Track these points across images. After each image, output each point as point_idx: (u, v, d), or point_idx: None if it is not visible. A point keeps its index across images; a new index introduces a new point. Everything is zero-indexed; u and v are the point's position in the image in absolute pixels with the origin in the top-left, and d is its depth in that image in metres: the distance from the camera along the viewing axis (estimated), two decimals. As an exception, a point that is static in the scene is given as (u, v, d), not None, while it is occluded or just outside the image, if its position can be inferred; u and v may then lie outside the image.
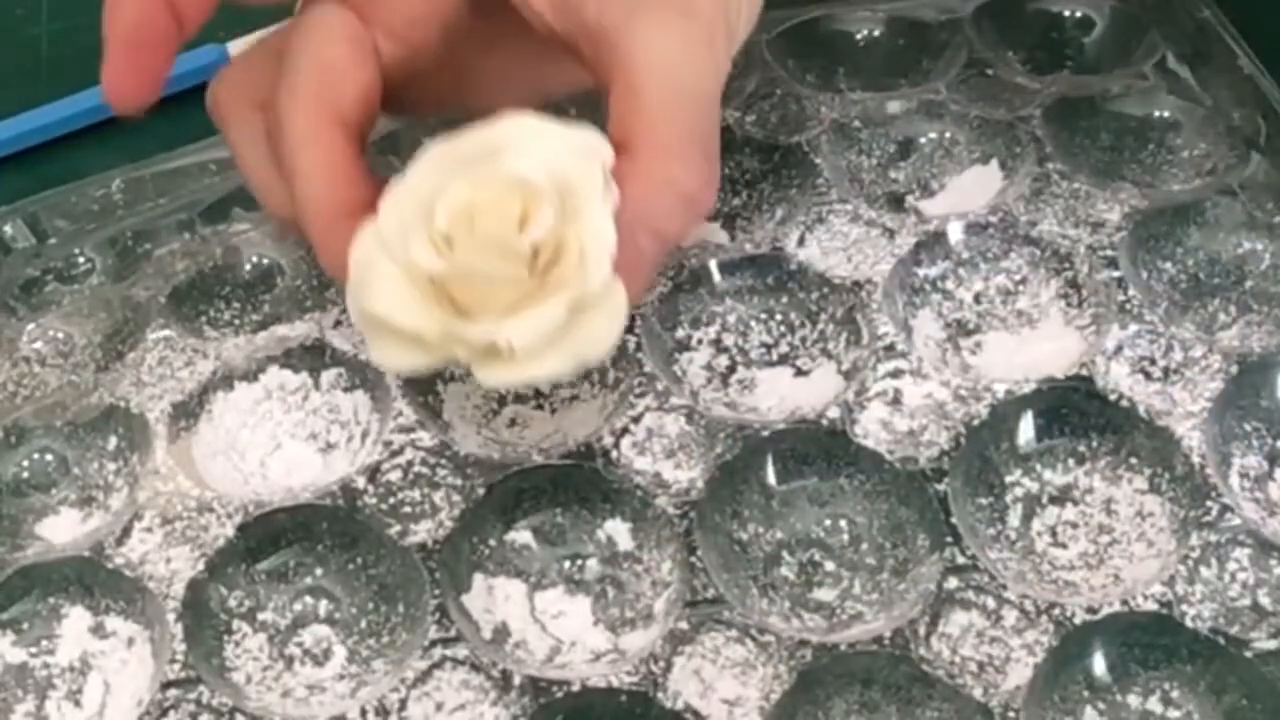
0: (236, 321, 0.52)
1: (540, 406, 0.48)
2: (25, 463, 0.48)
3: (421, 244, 0.39)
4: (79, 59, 0.64)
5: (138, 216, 0.56)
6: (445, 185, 0.40)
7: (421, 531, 0.44)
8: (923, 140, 0.55)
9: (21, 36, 0.65)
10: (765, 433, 0.45)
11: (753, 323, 0.49)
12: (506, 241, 0.38)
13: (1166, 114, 0.54)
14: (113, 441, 0.48)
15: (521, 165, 0.39)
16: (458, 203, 0.39)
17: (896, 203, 0.53)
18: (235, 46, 0.62)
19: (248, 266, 0.53)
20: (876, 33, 0.59)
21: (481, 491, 0.44)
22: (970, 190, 0.53)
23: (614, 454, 0.45)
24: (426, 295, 0.40)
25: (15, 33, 0.66)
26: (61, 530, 0.47)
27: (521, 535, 0.45)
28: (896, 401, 0.46)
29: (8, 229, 0.55)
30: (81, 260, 0.55)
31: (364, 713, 0.41)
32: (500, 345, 0.38)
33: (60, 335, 0.52)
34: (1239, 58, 0.55)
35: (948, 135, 0.55)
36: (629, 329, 0.47)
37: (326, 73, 0.41)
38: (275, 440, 0.48)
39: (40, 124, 0.61)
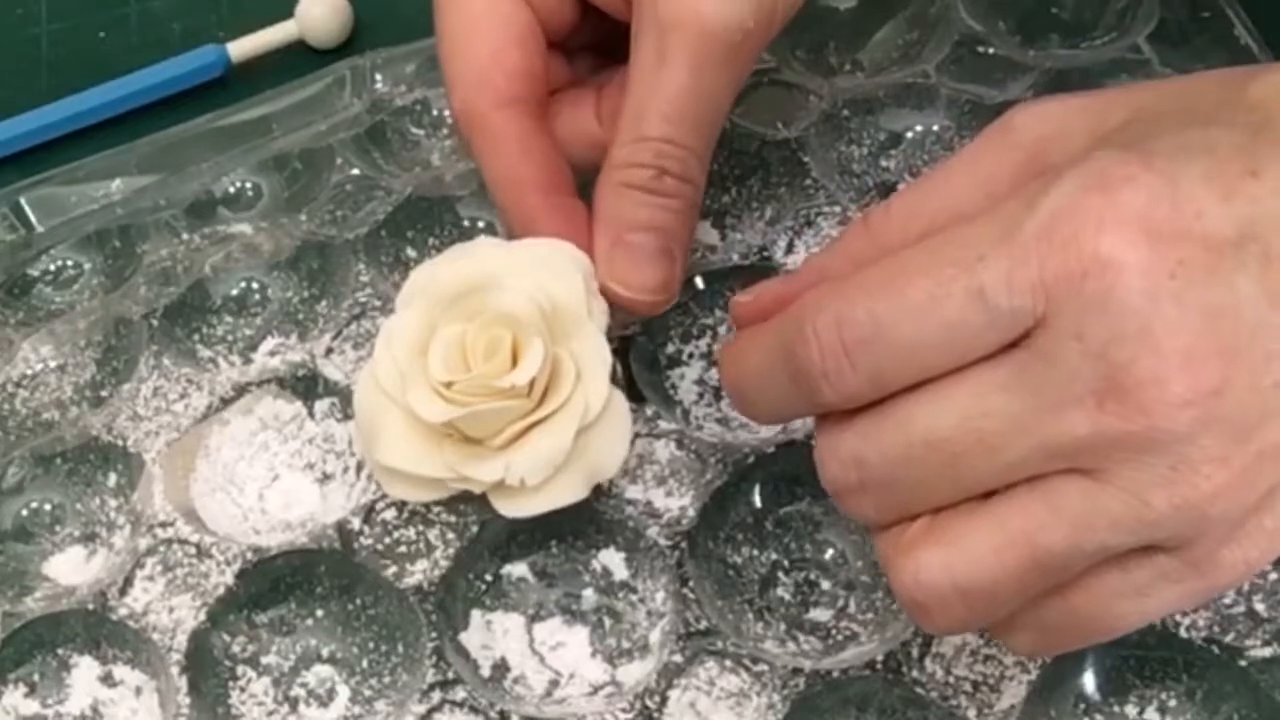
0: (230, 338, 0.52)
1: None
2: (27, 502, 0.49)
3: (421, 393, 0.41)
4: (79, 59, 0.64)
5: (132, 217, 0.56)
6: (435, 327, 0.41)
7: (418, 571, 0.44)
8: (913, 128, 0.54)
9: (21, 36, 0.65)
10: (754, 457, 0.45)
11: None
12: (503, 381, 0.40)
13: (1161, 93, 0.53)
14: (112, 478, 0.48)
15: (506, 300, 0.41)
16: (450, 347, 0.41)
17: (888, 193, 0.53)
18: (235, 47, 0.61)
19: (239, 281, 0.53)
20: (865, 7, 0.58)
21: (475, 528, 0.45)
22: (962, 178, 0.52)
23: (605, 483, 0.45)
24: (434, 433, 0.41)
25: (15, 33, 0.65)
26: (67, 569, 0.47)
27: (517, 569, 0.45)
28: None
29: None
30: (70, 265, 0.55)
31: (368, 758, 0.42)
32: (512, 483, 0.40)
33: (53, 363, 0.52)
34: (1235, 27, 0.53)
35: (938, 122, 0.54)
36: (620, 350, 0.47)
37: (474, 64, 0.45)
38: (273, 471, 0.48)
39: (40, 124, 0.61)
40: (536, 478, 0.41)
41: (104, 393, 0.51)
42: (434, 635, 0.43)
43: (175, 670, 0.43)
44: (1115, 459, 0.31)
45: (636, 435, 0.46)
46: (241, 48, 0.61)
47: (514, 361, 0.41)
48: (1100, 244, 0.31)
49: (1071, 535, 0.32)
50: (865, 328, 0.33)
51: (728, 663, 0.43)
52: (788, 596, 0.45)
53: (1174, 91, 0.36)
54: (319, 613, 0.45)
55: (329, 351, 0.50)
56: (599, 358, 0.41)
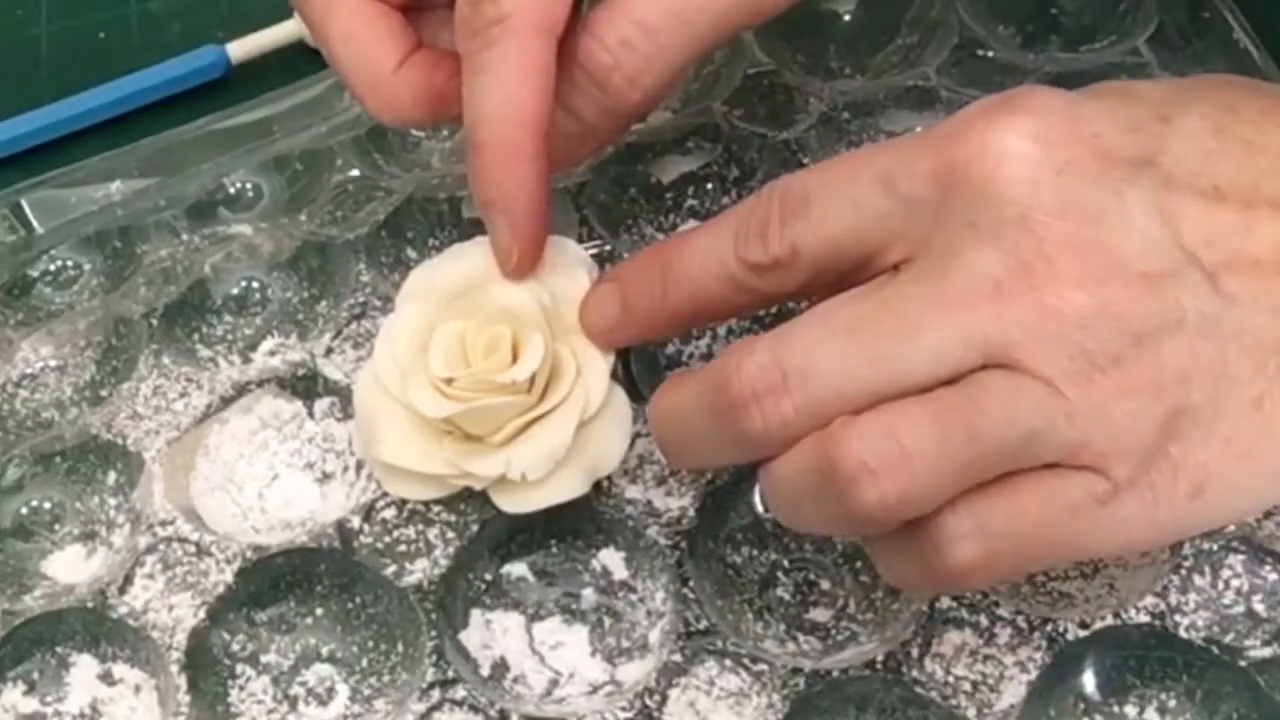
0: (230, 337, 0.52)
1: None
2: (27, 501, 0.49)
3: (421, 389, 0.41)
4: (79, 59, 0.64)
5: (132, 217, 0.56)
6: (435, 324, 0.41)
7: (418, 570, 0.44)
8: (913, 130, 0.54)
9: (21, 36, 0.65)
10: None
11: (744, 334, 0.49)
12: (503, 377, 0.40)
13: (1160, 95, 0.53)
14: (112, 477, 0.48)
15: (506, 296, 0.41)
16: (450, 343, 0.41)
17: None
18: (235, 47, 0.62)
19: (239, 281, 0.53)
20: (866, 11, 0.58)
21: (475, 527, 0.45)
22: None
23: (605, 482, 0.45)
24: (434, 431, 0.41)
25: (15, 33, 0.65)
26: (66, 567, 0.47)
27: (517, 568, 0.45)
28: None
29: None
30: (70, 265, 0.55)
31: (367, 756, 0.42)
32: (513, 478, 0.40)
33: (53, 362, 0.52)
34: (1234, 31, 0.54)
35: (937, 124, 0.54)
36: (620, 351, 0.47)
37: None
38: (273, 470, 0.48)
39: (40, 124, 0.61)
40: (537, 473, 0.41)
41: (104, 392, 0.51)
42: (434, 634, 0.43)
43: (175, 668, 0.43)
44: (1024, 348, 0.32)
45: (636, 435, 0.46)
46: (241, 48, 0.62)
47: (514, 357, 0.41)
48: (987, 135, 0.33)
49: (1001, 414, 0.32)
50: (797, 196, 0.35)
51: (727, 662, 0.43)
52: (787, 596, 0.44)
53: None
54: (318, 611, 0.45)
55: (329, 351, 0.50)
56: (600, 353, 0.42)
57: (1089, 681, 0.42)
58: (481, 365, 0.40)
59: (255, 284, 0.53)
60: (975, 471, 0.33)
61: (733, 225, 0.37)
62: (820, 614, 0.44)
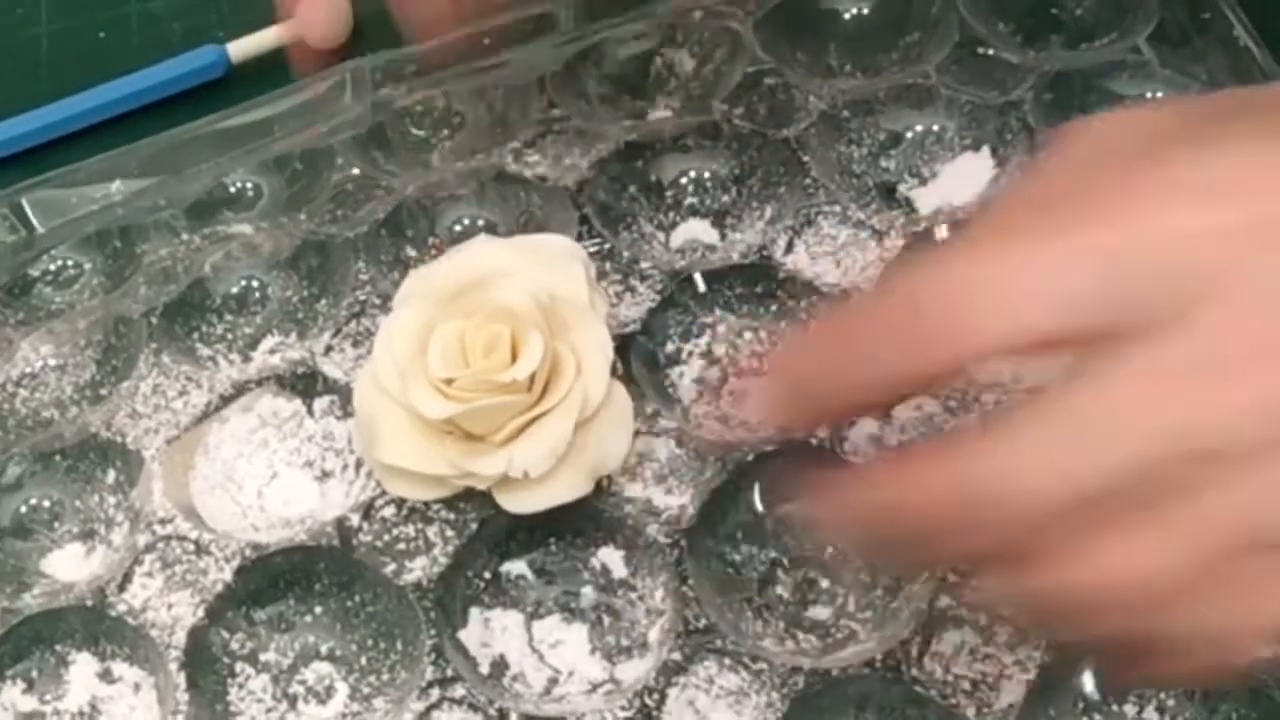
0: (229, 336, 0.52)
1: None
2: (26, 499, 0.49)
3: (422, 391, 0.41)
4: (79, 59, 0.64)
5: (132, 217, 0.56)
6: (434, 324, 0.41)
7: (417, 569, 0.44)
8: (913, 128, 0.54)
9: (21, 36, 0.65)
10: (753, 455, 0.45)
11: (744, 333, 0.49)
12: (503, 376, 0.40)
13: (1160, 93, 0.53)
14: (111, 475, 0.48)
15: (504, 295, 0.41)
16: (450, 344, 0.41)
17: (888, 192, 0.53)
18: (235, 47, 0.62)
19: (239, 280, 0.53)
20: (866, 9, 0.58)
21: (475, 525, 0.45)
22: (962, 178, 0.52)
23: (604, 480, 0.45)
24: (435, 431, 0.41)
25: (15, 33, 0.66)
26: (65, 566, 0.47)
27: (516, 566, 0.45)
28: (886, 415, 0.46)
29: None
30: (70, 265, 0.55)
31: (366, 755, 0.42)
32: (515, 476, 0.40)
33: (53, 362, 0.52)
34: (1235, 28, 0.53)
35: (938, 123, 0.54)
36: (620, 348, 0.47)
37: None
38: (272, 469, 0.48)
39: (40, 124, 0.61)
40: (540, 469, 0.41)
41: (103, 391, 0.51)
42: (433, 633, 0.43)
43: (174, 667, 0.43)
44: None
45: (636, 433, 0.46)
46: (241, 48, 0.62)
47: (513, 357, 0.41)
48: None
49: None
50: (959, 296, 0.32)
51: (727, 661, 0.43)
52: (786, 595, 0.44)
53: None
54: (318, 610, 0.45)
55: (328, 349, 0.50)
56: (600, 349, 0.42)
57: (1088, 681, 0.42)
58: (481, 365, 0.40)
59: (255, 283, 0.53)
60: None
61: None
62: (819, 612, 0.44)
